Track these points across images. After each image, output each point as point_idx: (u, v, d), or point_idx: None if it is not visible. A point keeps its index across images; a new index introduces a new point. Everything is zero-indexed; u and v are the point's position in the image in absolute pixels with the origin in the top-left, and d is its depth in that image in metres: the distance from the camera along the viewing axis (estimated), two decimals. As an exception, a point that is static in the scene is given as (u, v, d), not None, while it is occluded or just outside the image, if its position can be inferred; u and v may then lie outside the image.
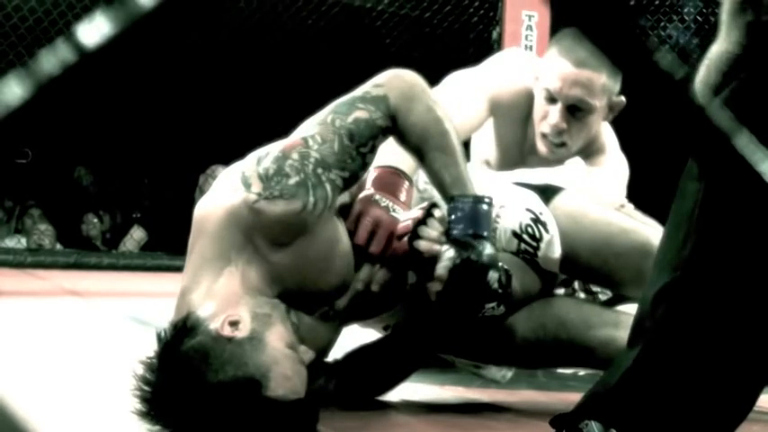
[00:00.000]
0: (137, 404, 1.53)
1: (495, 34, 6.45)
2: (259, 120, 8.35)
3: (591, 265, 2.00)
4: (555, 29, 6.18)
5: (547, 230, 2.00)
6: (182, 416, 1.53)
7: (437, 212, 1.78)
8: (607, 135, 2.44)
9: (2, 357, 2.47)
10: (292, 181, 1.68)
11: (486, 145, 2.48)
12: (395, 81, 1.83)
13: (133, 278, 6.17)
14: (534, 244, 2.00)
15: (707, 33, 8.51)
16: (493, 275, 1.73)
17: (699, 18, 8.65)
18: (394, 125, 1.81)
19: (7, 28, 6.87)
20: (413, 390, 2.17)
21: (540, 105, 2.29)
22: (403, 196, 1.85)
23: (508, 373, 2.23)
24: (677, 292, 1.30)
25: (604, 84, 2.24)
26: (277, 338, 1.59)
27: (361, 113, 1.79)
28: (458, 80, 2.32)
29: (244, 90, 8.43)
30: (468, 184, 1.81)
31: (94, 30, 0.50)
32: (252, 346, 1.56)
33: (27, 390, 1.98)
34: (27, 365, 2.36)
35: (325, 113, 1.81)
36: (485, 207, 1.75)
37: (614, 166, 2.41)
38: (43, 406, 1.82)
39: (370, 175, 1.89)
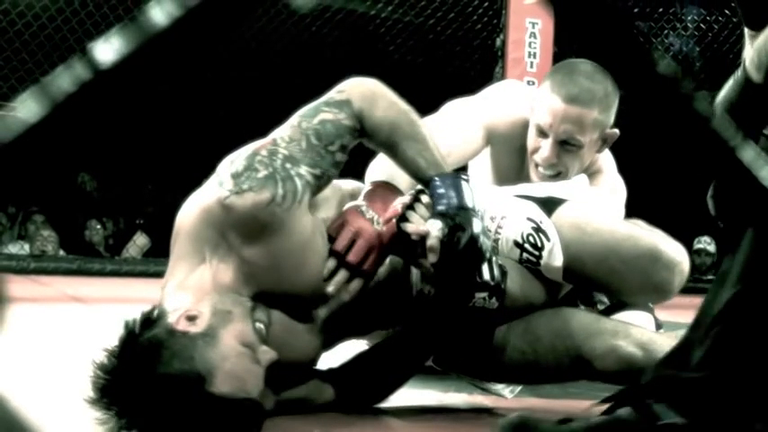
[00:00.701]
0: (90, 391, 1.56)
1: (498, 42, 6.46)
2: (263, 126, 8.37)
3: (597, 274, 2.00)
4: (558, 37, 6.20)
5: (548, 239, 2.00)
6: (131, 406, 1.55)
7: (425, 198, 1.82)
8: (604, 157, 2.45)
9: (4, 363, 2.47)
10: (261, 174, 1.74)
11: (482, 173, 2.50)
12: (355, 85, 1.90)
13: (136, 284, 6.16)
14: (536, 253, 2.00)
15: (709, 41, 8.52)
16: (485, 242, 1.77)
17: (702, 26, 8.65)
18: (361, 125, 1.86)
19: (11, 34, 6.89)
20: (414, 396, 2.17)
21: (532, 137, 2.29)
22: (391, 209, 1.86)
23: (517, 388, 2.23)
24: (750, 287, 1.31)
25: (595, 119, 2.24)
26: (232, 336, 1.61)
27: (326, 115, 1.85)
28: (455, 108, 2.34)
29: (248, 96, 8.44)
30: (445, 166, 1.86)
31: (110, 48, 0.50)
32: (204, 341, 1.59)
33: (29, 395, 1.98)
34: (29, 371, 2.37)
35: (293, 118, 1.88)
36: (465, 181, 1.80)
37: (612, 186, 2.41)
38: (44, 410, 1.83)
39: (364, 188, 1.94)
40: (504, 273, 1.86)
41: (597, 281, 2.03)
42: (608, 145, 2.35)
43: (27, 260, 6.65)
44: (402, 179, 1.94)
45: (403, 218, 1.80)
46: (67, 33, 6.95)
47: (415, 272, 1.97)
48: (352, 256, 1.81)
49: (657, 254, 1.97)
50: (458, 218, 1.76)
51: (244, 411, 1.58)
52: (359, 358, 2.02)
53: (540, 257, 2.00)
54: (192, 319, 1.62)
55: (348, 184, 2.03)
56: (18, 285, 5.44)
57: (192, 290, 1.70)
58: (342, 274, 1.81)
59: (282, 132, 1.85)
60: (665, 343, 1.93)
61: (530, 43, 6.19)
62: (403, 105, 1.89)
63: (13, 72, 6.81)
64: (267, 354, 1.64)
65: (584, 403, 2.20)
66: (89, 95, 0.53)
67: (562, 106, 2.22)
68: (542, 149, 2.26)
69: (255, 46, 8.07)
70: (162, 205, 8.36)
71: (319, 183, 1.82)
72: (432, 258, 1.74)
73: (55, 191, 8.58)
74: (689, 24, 8.76)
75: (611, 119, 2.30)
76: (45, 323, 3.48)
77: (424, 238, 1.76)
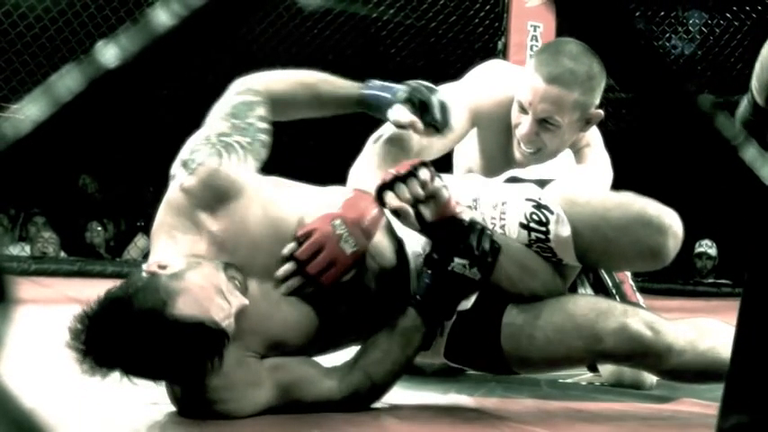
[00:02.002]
0: (72, 341, 1.72)
1: (500, 45, 6.46)
2: (264, 129, 8.37)
3: (594, 245, 2.02)
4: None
5: (551, 212, 2.02)
6: (98, 341, 1.69)
7: (423, 172, 1.86)
8: (591, 133, 2.46)
9: (5, 364, 2.46)
10: (204, 152, 1.89)
11: (469, 154, 2.52)
12: (247, 79, 2.13)
13: (137, 286, 6.15)
14: (543, 229, 2.02)
15: (712, 44, 8.52)
16: (474, 214, 1.96)
17: (704, 29, 8.65)
18: (270, 100, 2.07)
19: (13, 35, 6.89)
20: (414, 396, 2.17)
21: (515, 113, 2.32)
22: (366, 222, 1.90)
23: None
24: None
25: (575, 100, 2.25)
26: (200, 276, 1.74)
27: (235, 99, 2.06)
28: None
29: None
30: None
31: (114, 49, 0.50)
32: (169, 278, 1.72)
33: (31, 396, 1.98)
34: (30, 372, 2.36)
35: (210, 114, 2.07)
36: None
37: (598, 161, 2.43)
38: (46, 411, 1.82)
39: (347, 194, 1.96)
40: (495, 248, 1.90)
41: (596, 254, 2.04)
42: (592, 125, 2.36)
43: (28, 262, 6.64)
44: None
45: (382, 198, 1.88)
46: (69, 35, 6.95)
47: (413, 277, 2.00)
48: (311, 268, 1.86)
49: (648, 218, 1.99)
50: (410, 89, 2.09)
51: (205, 334, 1.67)
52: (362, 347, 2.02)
53: (547, 232, 2.01)
54: (163, 267, 1.76)
55: (326, 191, 2.04)
56: (19, 287, 5.42)
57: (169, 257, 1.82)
58: (296, 280, 1.87)
59: (208, 123, 2.03)
60: (671, 326, 2.03)
61: (531, 46, 6.19)
62: (297, 71, 2.18)
63: (14, 74, 6.81)
64: (238, 298, 1.75)
65: (585, 405, 2.20)
66: (93, 97, 0.52)
67: (543, 86, 2.24)
68: (521, 126, 2.29)
69: (257, 49, 8.07)
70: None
71: (254, 148, 1.97)
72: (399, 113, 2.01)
73: (56, 193, 8.58)
74: (690, 28, 8.75)
75: (596, 100, 2.30)
76: (46, 325, 3.47)
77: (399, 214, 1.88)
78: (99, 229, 8.18)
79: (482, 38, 7.69)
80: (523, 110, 2.28)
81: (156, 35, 0.51)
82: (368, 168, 2.09)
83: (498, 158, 2.39)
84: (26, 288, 5.39)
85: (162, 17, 0.52)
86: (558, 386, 2.48)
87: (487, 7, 7.83)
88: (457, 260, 1.87)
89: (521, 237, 2.04)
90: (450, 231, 1.89)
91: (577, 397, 2.31)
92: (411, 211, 1.86)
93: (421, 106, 2.08)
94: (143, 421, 1.86)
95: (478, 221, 1.94)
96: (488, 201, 2.08)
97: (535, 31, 6.25)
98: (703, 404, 2.19)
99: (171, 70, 0.51)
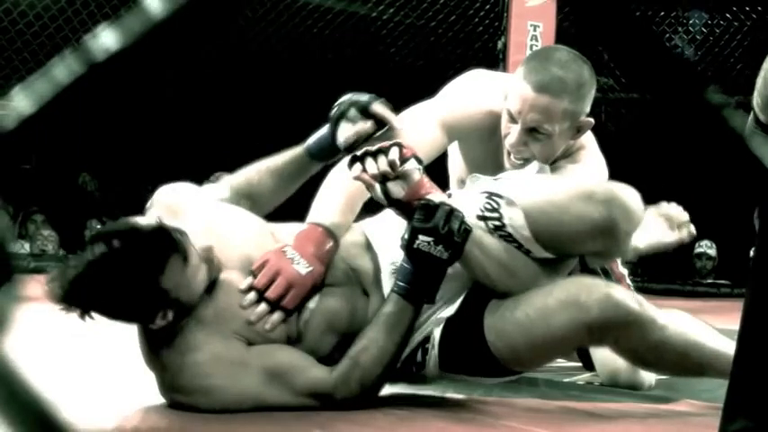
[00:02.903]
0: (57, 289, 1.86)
1: (500, 44, 6.46)
2: (264, 126, 8.35)
3: (548, 228, 2.01)
4: (559, 39, 6.19)
5: (500, 197, 2.05)
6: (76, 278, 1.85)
7: (393, 152, 1.95)
8: (585, 137, 2.42)
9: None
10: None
11: (457, 167, 2.53)
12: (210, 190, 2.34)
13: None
14: (496, 215, 2.04)
15: (712, 45, 8.51)
16: (443, 198, 1.99)
17: (704, 30, 8.64)
18: (237, 194, 2.32)
19: (13, 33, 6.89)
20: (414, 397, 2.16)
21: (504, 122, 2.28)
22: (318, 250, 2.04)
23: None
24: None
25: (565, 109, 2.21)
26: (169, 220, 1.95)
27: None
28: (410, 112, 2.36)
29: (248, 97, 8.44)
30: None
31: (106, 40, 0.50)
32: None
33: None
34: (29, 369, 2.36)
35: None
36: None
37: (593, 165, 2.39)
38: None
39: (302, 227, 2.09)
40: (465, 230, 1.93)
41: (553, 238, 2.03)
42: (583, 133, 2.33)
43: (27, 259, 6.64)
44: (342, 217, 2.10)
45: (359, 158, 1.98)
46: (69, 33, 6.95)
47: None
48: (270, 293, 1.97)
49: (589, 192, 1.99)
50: (338, 106, 2.23)
51: (159, 234, 1.87)
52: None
53: (501, 217, 2.03)
54: None
55: (277, 228, 2.15)
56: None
57: None
58: (262, 307, 1.97)
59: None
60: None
61: (531, 46, 6.18)
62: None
63: (14, 72, 6.81)
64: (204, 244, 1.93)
65: (583, 405, 2.20)
66: (85, 88, 0.52)
67: (531, 94, 2.20)
68: (511, 135, 2.25)
69: (257, 47, 8.07)
70: (162, 206, 8.33)
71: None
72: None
73: (55, 190, 8.58)
74: (690, 28, 8.75)
75: (586, 108, 2.27)
76: (44, 322, 3.47)
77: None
78: (98, 227, 8.18)
79: (482, 37, 7.70)
80: (513, 119, 2.25)
81: (151, 23, 0.51)
82: (324, 199, 2.13)
83: (488, 168, 2.37)
84: (25, 285, 5.39)
85: (154, 5, 0.51)
86: (557, 386, 2.48)
87: (487, 6, 7.83)
88: (421, 237, 1.91)
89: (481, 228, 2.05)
90: (417, 211, 1.93)
91: (575, 397, 2.30)
92: (376, 184, 1.96)
93: (360, 111, 2.22)
94: (141, 419, 1.87)
95: (449, 204, 1.95)
96: (457, 200, 2.08)
97: (535, 30, 6.25)
98: (701, 404, 2.19)
99: (164, 58, 0.51)
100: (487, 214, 2.05)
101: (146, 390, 2.03)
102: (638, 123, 8.40)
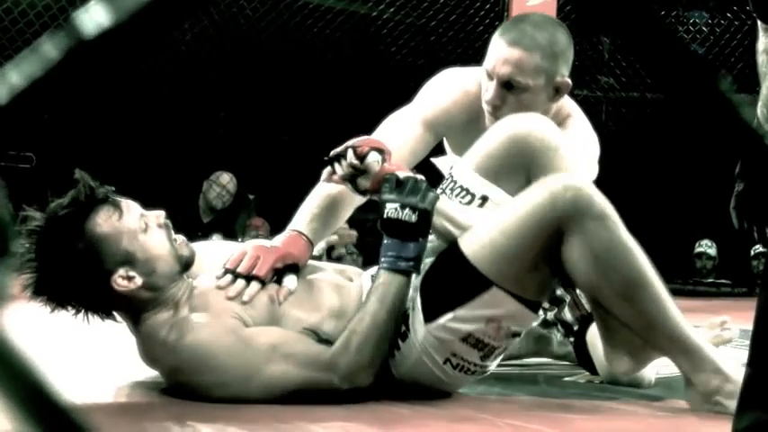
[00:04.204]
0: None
1: (500, 43, 6.45)
2: (263, 126, 8.36)
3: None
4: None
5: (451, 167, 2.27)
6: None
7: (349, 154, 2.13)
8: (570, 104, 2.52)
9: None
10: None
11: (451, 157, 2.60)
12: None
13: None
14: (450, 181, 2.23)
15: (713, 44, 8.52)
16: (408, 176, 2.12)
17: (704, 29, 8.65)
18: None
19: (13, 33, 6.89)
20: (413, 394, 2.16)
21: (483, 81, 2.39)
22: (291, 247, 2.21)
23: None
24: None
25: (537, 64, 2.30)
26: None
27: None
28: (391, 118, 2.49)
29: (248, 96, 8.44)
30: None
31: (95, 18, 0.49)
32: None
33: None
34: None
35: None
36: None
37: (582, 134, 2.47)
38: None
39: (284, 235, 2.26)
40: (431, 195, 2.09)
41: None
42: (562, 94, 2.40)
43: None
44: (316, 224, 2.26)
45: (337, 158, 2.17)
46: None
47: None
48: (240, 268, 2.11)
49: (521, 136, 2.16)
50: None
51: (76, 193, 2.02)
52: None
53: (452, 177, 2.21)
54: None
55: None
56: (16, 283, 5.42)
57: None
58: (238, 283, 2.08)
59: None
60: None
61: (532, 45, 6.17)
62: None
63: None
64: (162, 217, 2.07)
65: (583, 402, 2.20)
66: (78, 70, 0.52)
67: (504, 48, 2.32)
68: (487, 92, 2.35)
69: (257, 47, 8.06)
70: (161, 205, 8.34)
71: None
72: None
73: (55, 191, 8.57)
74: (691, 27, 8.76)
75: (562, 69, 2.35)
76: (42, 321, 3.47)
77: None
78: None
79: (483, 36, 7.68)
80: (489, 77, 2.35)
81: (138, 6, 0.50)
82: (304, 208, 2.30)
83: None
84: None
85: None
86: (557, 384, 2.48)
87: (488, 6, 7.83)
88: (389, 206, 2.08)
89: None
90: (383, 185, 2.12)
91: (576, 395, 2.31)
92: (347, 183, 2.17)
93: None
94: (143, 408, 1.87)
95: (413, 176, 2.11)
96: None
97: (535, 30, 6.24)
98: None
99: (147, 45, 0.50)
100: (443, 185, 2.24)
101: (144, 374, 2.03)
102: (639, 122, 8.40)
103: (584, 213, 1.97)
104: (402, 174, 2.12)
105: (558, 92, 2.37)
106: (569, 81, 2.37)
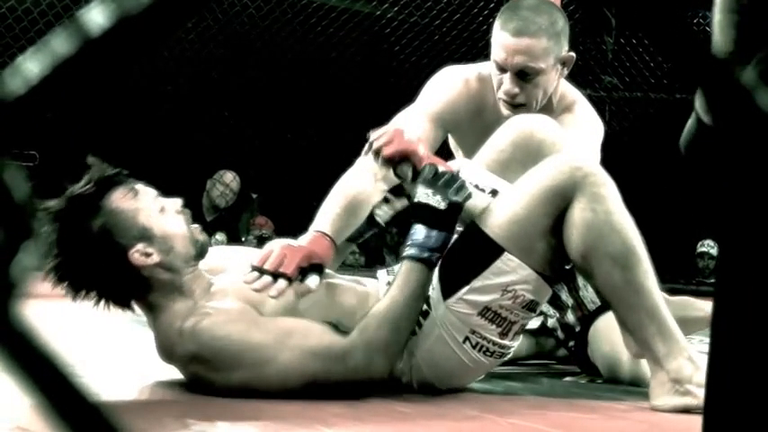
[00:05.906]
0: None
1: (503, 43, 6.45)
2: (267, 125, 8.36)
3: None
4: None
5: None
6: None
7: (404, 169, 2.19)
8: (573, 91, 2.60)
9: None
10: None
11: (463, 151, 2.67)
12: None
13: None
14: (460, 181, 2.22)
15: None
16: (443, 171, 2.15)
17: (707, 29, 8.64)
18: None
19: (17, 31, 6.90)
20: (414, 393, 2.17)
21: (495, 75, 2.46)
22: (316, 247, 2.20)
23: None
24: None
25: (545, 47, 2.40)
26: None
27: None
28: (399, 116, 2.55)
29: (252, 95, 8.44)
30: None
31: (99, 17, 0.49)
32: None
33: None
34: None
35: None
36: None
37: (588, 120, 2.55)
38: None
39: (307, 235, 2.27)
40: (465, 190, 2.11)
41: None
42: (568, 68, 2.50)
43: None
44: (338, 224, 2.27)
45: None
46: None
47: None
48: (268, 265, 2.11)
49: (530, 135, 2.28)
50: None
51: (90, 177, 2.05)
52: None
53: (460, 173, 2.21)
54: None
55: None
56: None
57: None
58: (264, 279, 2.08)
59: None
60: None
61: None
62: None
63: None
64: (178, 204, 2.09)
65: (585, 402, 2.21)
66: (93, 95, 0.52)
67: (512, 40, 2.40)
68: (504, 84, 2.44)
69: (261, 46, 8.07)
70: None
71: None
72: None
73: (59, 189, 8.58)
74: (695, 27, 8.75)
75: (564, 44, 2.45)
76: (47, 319, 3.48)
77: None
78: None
79: (486, 36, 7.68)
80: (501, 69, 2.42)
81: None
82: (325, 208, 2.31)
83: (487, 137, 2.45)
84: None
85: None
86: (560, 384, 2.49)
87: (492, 5, 7.83)
88: (421, 190, 2.11)
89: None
90: (422, 170, 2.16)
91: (578, 394, 2.31)
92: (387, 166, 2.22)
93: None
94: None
95: (450, 171, 2.15)
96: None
97: (539, 29, 6.25)
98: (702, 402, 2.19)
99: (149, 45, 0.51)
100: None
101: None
102: (642, 122, 8.40)
103: (587, 183, 2.07)
104: (441, 167, 2.16)
105: (564, 65, 2.48)
106: (573, 54, 2.48)
